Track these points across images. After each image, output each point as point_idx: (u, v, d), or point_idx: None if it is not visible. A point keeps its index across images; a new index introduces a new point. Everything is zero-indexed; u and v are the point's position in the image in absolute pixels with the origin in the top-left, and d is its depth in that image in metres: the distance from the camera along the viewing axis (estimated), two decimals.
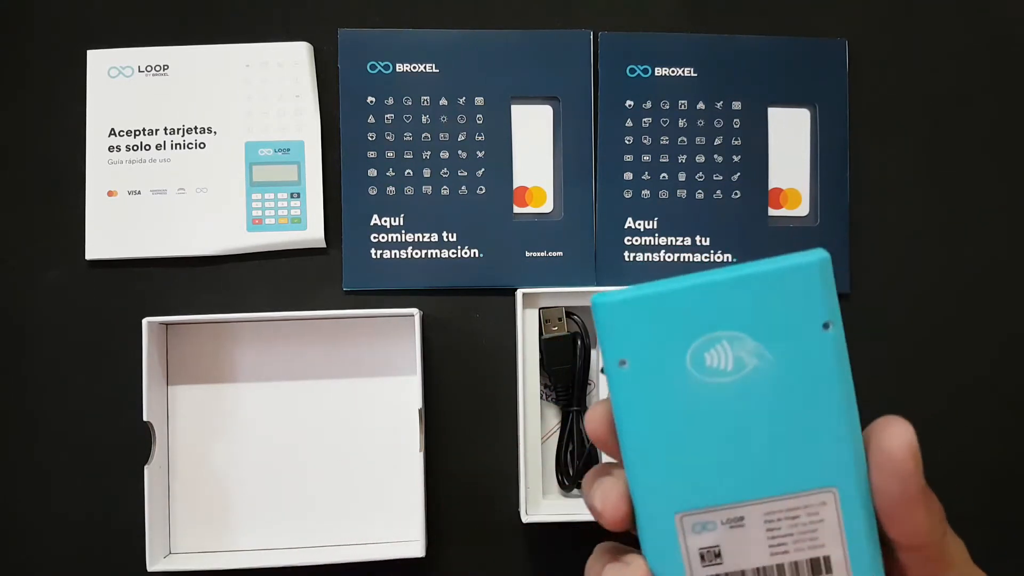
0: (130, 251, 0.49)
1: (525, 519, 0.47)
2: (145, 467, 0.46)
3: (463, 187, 0.51)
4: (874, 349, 0.51)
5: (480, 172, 0.51)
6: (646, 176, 0.51)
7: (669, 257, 0.51)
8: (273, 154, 0.50)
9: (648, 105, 0.51)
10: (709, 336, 0.22)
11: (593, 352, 0.50)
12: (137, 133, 0.50)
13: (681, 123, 0.51)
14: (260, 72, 0.50)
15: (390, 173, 0.50)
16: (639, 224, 0.51)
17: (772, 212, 0.51)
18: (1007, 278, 0.52)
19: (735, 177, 0.51)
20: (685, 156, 0.51)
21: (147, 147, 0.50)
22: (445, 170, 0.51)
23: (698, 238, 0.51)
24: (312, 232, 0.50)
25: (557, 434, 0.50)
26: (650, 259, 0.51)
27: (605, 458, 0.47)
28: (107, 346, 0.49)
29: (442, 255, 0.50)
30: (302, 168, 0.50)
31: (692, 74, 0.51)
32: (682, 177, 0.51)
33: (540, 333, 0.49)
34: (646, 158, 0.51)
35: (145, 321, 0.46)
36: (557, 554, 0.50)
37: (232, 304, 0.50)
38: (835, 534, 0.22)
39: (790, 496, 0.22)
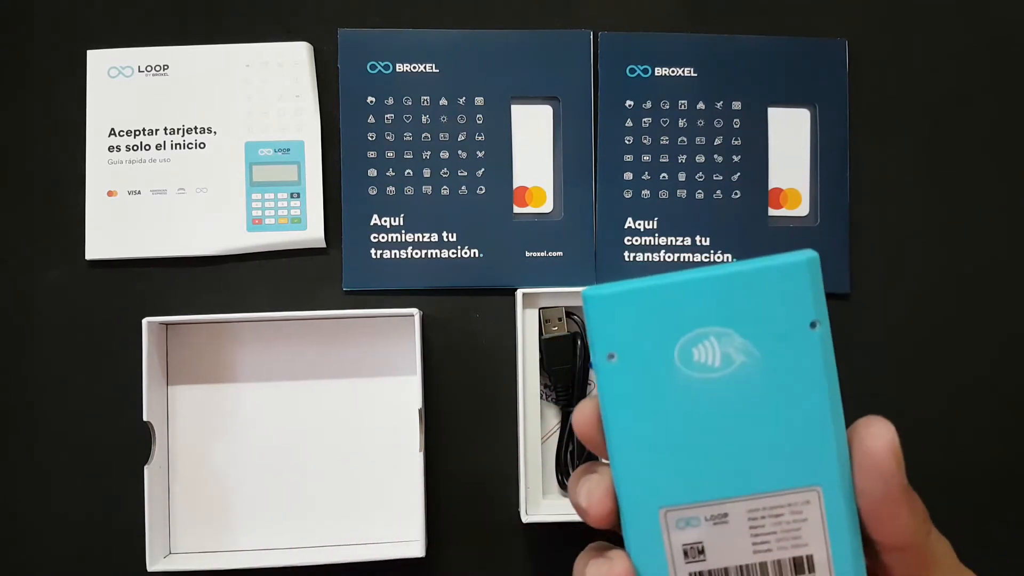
0: (130, 251, 0.49)
1: (525, 519, 0.47)
2: (145, 467, 0.46)
3: (463, 187, 0.51)
4: (874, 349, 0.51)
5: (480, 172, 0.51)
6: (646, 176, 0.51)
7: (669, 257, 0.51)
8: (273, 154, 0.50)
9: (648, 105, 0.51)
10: (698, 332, 0.22)
11: None
12: (137, 133, 0.50)
13: (681, 123, 0.51)
14: (260, 72, 0.50)
15: (390, 173, 0.50)
16: (639, 224, 0.51)
17: (772, 212, 0.51)
18: (1007, 278, 0.52)
19: (735, 177, 0.51)
20: (685, 156, 0.51)
21: (147, 147, 0.50)
22: (445, 170, 0.51)
23: (698, 238, 0.51)
24: (312, 232, 0.50)
25: (557, 434, 0.50)
26: (650, 259, 0.51)
27: None
28: (107, 346, 0.49)
29: (442, 255, 0.50)
30: (302, 168, 0.50)
31: (692, 74, 0.51)
32: (682, 177, 0.51)
33: (540, 333, 0.49)
34: (646, 158, 0.51)
35: (145, 321, 0.46)
36: (557, 554, 0.50)
37: (232, 304, 0.50)
38: (818, 533, 0.22)
39: (774, 494, 0.22)
